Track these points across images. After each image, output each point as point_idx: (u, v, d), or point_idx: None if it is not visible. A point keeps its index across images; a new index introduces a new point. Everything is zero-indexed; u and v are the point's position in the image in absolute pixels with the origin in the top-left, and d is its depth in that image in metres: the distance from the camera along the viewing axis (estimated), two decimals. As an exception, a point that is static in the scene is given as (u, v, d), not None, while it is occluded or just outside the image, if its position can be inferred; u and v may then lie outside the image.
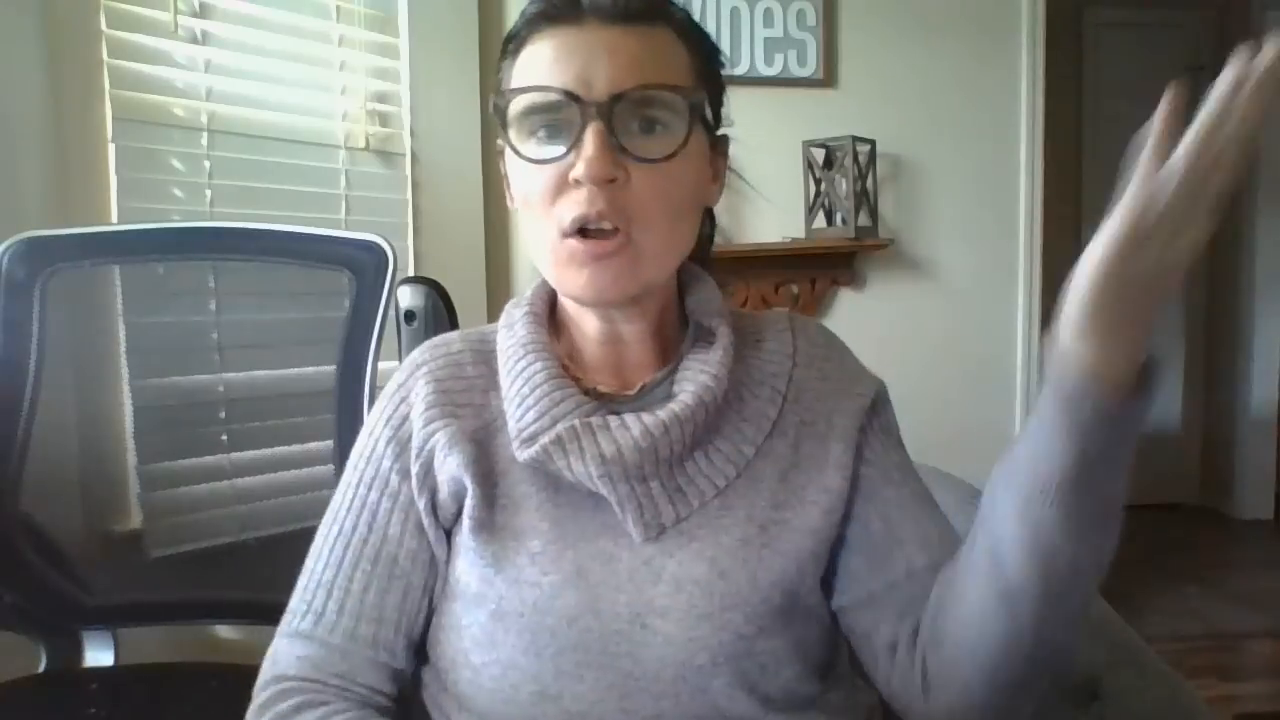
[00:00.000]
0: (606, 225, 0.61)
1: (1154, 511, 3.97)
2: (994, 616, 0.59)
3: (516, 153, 0.63)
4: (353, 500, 0.69)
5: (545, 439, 0.63)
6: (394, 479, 0.68)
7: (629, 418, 0.64)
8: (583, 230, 0.61)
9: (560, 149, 0.61)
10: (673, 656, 0.62)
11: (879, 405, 0.73)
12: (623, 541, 0.64)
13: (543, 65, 0.62)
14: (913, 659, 0.66)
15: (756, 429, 0.68)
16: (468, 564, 0.65)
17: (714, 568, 0.63)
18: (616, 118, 0.60)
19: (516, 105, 0.63)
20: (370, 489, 0.69)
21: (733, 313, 0.74)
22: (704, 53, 0.68)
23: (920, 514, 0.70)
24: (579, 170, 0.60)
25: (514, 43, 0.66)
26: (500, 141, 0.66)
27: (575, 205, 0.61)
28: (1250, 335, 3.89)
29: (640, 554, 0.64)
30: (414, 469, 0.67)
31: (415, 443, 0.68)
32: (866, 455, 0.70)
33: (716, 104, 0.70)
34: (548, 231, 0.63)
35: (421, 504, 0.67)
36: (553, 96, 0.61)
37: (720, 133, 0.71)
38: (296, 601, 0.69)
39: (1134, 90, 4.13)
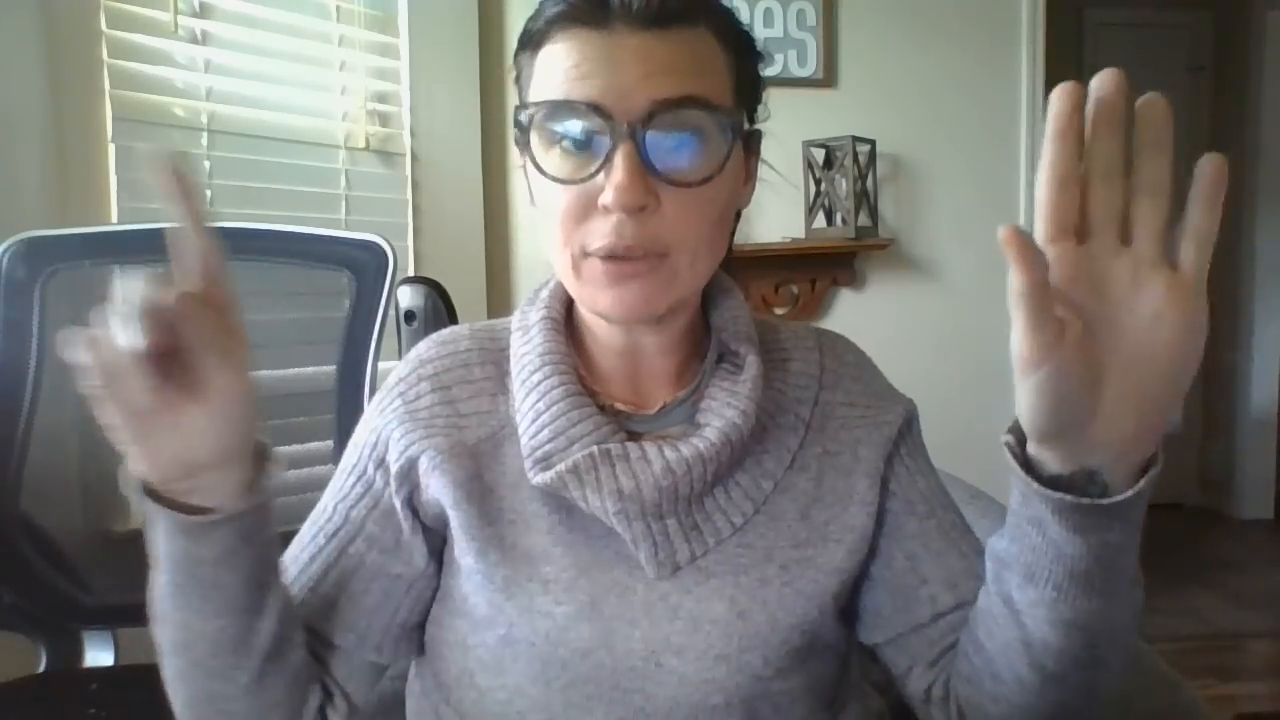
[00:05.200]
0: (636, 256, 0.57)
1: (1154, 511, 3.85)
2: (1040, 694, 0.57)
3: (540, 169, 0.58)
4: (336, 507, 0.67)
5: (561, 465, 0.60)
6: (379, 481, 0.65)
7: (650, 448, 0.61)
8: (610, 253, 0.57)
9: (586, 166, 0.56)
10: (686, 697, 0.60)
11: (906, 430, 0.69)
12: (637, 573, 0.62)
13: (567, 73, 0.56)
14: (948, 716, 0.64)
15: (776, 461, 0.65)
16: (475, 586, 0.63)
17: (733, 607, 0.61)
18: (649, 136, 0.55)
19: (540, 115, 0.57)
20: (357, 503, 0.66)
21: (758, 323, 0.70)
22: (745, 54, 0.62)
23: (945, 548, 0.66)
24: (608, 197, 0.55)
25: (534, 37, 0.60)
26: (517, 135, 0.61)
27: (603, 233, 0.56)
28: (1250, 335, 3.89)
29: (656, 589, 0.62)
30: (394, 468, 0.64)
31: (410, 448, 0.64)
32: (891, 487, 0.67)
33: (755, 103, 0.65)
34: (571, 248, 0.58)
35: (399, 500, 0.64)
36: (581, 111, 0.56)
37: (753, 128, 0.65)
38: None
39: (1134, 90, 4.12)
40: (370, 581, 0.65)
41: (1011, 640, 0.57)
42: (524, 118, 0.58)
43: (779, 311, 2.41)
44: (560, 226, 0.58)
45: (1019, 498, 0.52)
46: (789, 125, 2.35)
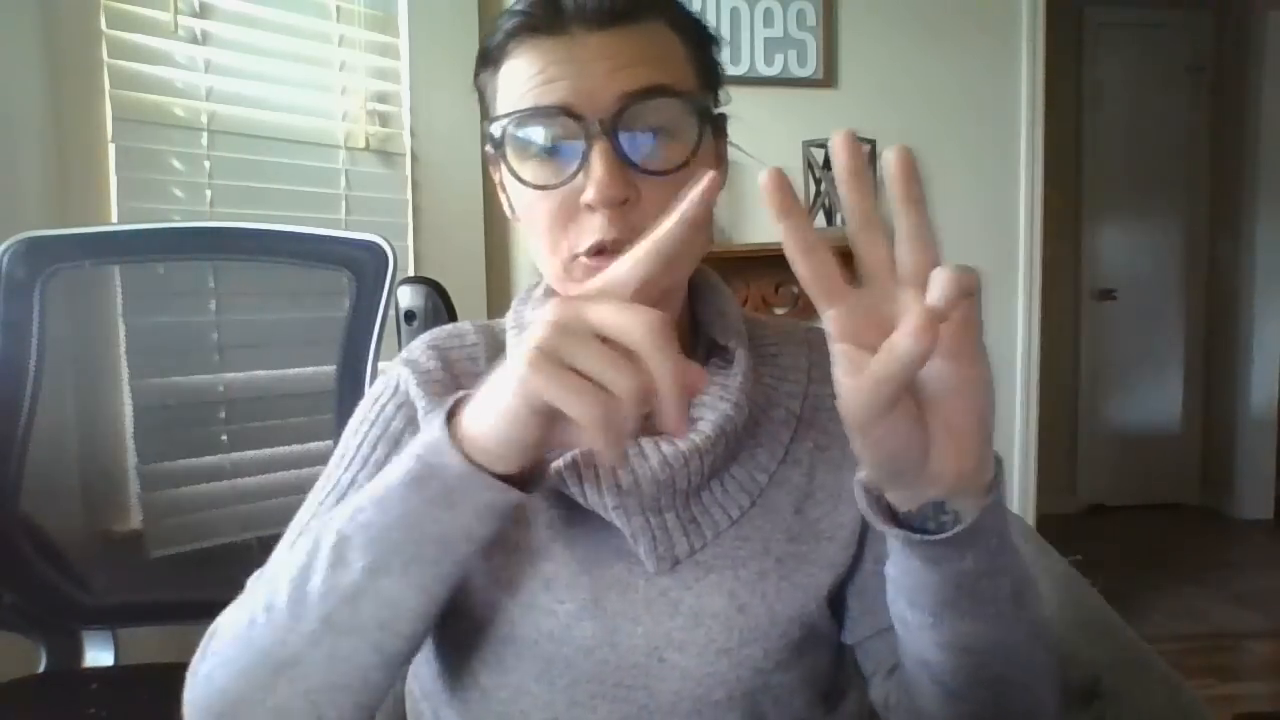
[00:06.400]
0: (623, 250, 0.57)
1: (1154, 511, 3.97)
2: (949, 709, 0.59)
3: (519, 179, 0.59)
4: (350, 458, 0.65)
5: (559, 461, 0.60)
6: (398, 419, 0.65)
7: (646, 444, 0.61)
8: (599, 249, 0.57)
9: (563, 170, 0.57)
10: (689, 691, 0.60)
11: None
12: (638, 569, 0.62)
13: (533, 80, 0.57)
14: None
15: (770, 455, 0.66)
16: (477, 585, 0.62)
17: (733, 601, 0.62)
18: (622, 131, 0.56)
19: (511, 126, 0.58)
20: (375, 445, 0.65)
21: (746, 320, 0.70)
22: (700, 41, 0.63)
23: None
24: (590, 195, 0.56)
25: (493, 53, 0.61)
26: (490, 151, 0.61)
27: (591, 232, 0.57)
28: (1250, 335, 3.88)
29: (656, 584, 0.62)
30: (417, 404, 0.64)
31: (421, 403, 0.64)
32: None
33: (717, 88, 0.65)
34: (560, 254, 0.59)
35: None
36: (552, 116, 0.56)
37: (718, 112, 0.65)
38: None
39: (1134, 90, 4.15)
40: None
41: (914, 658, 0.59)
42: (496, 131, 0.59)
43: (779, 311, 2.41)
44: (547, 233, 0.59)
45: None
46: (789, 125, 2.35)
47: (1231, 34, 3.90)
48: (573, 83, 0.56)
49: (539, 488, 0.52)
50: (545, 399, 0.44)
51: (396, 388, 0.67)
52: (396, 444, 0.65)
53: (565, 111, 0.56)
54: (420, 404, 0.64)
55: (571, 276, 0.60)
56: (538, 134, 0.58)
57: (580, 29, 0.57)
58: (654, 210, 0.57)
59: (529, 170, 0.58)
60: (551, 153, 0.58)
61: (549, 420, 0.46)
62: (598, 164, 0.55)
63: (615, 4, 0.57)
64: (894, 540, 0.51)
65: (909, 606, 0.55)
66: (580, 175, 0.56)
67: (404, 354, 0.69)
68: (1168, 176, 4.04)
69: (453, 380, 0.66)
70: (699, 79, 0.62)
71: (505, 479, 0.49)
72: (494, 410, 0.47)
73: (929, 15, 2.45)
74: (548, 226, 0.59)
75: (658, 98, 0.57)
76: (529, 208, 0.60)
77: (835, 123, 2.54)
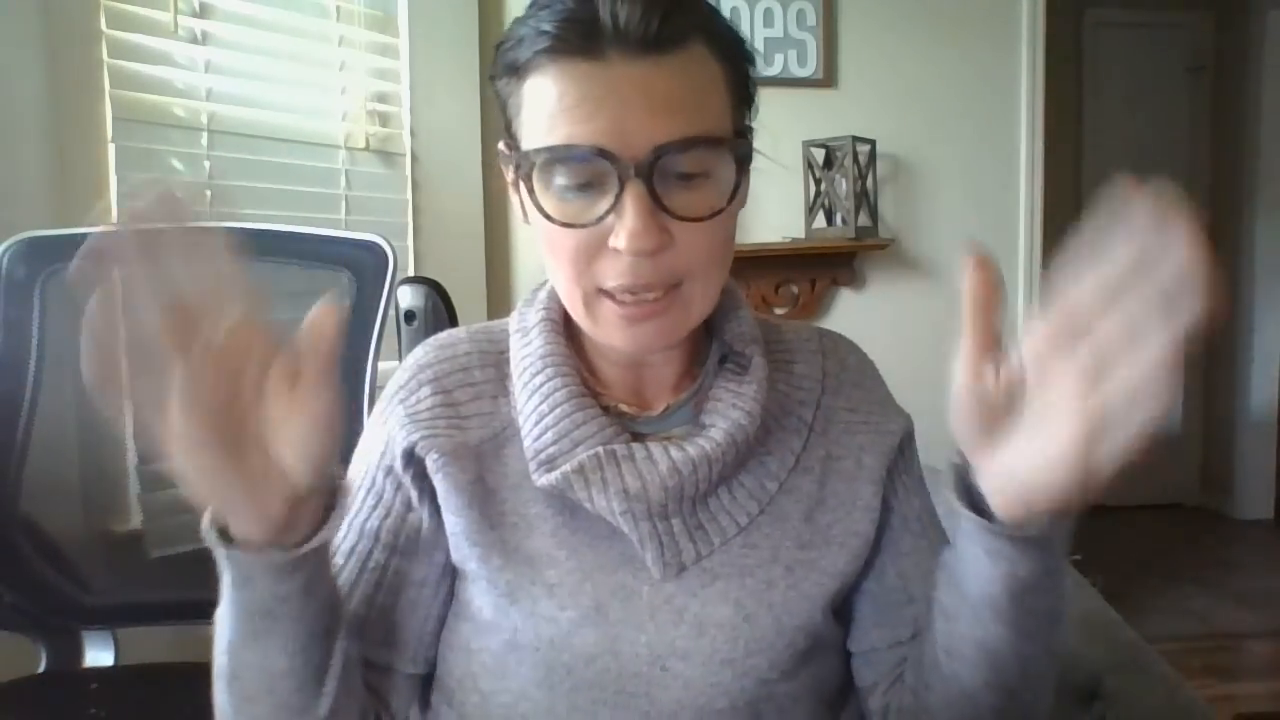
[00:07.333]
0: (650, 295, 0.56)
1: (1154, 511, 3.97)
2: (959, 711, 0.59)
3: (544, 214, 0.56)
4: (350, 524, 0.65)
5: (566, 466, 0.60)
6: (389, 490, 0.65)
7: (655, 449, 0.61)
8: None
9: (592, 208, 0.55)
10: (691, 701, 0.60)
11: (906, 445, 0.70)
12: (642, 575, 0.62)
13: (567, 114, 0.54)
14: None
15: (780, 463, 0.65)
16: (478, 591, 0.63)
17: (739, 610, 0.61)
18: (657, 174, 0.53)
19: (540, 161, 0.55)
20: (370, 514, 0.65)
21: (761, 324, 0.70)
22: (738, 59, 0.59)
23: (934, 570, 0.67)
24: (621, 241, 0.54)
25: (520, 67, 0.57)
26: (512, 176, 0.59)
27: (617, 274, 0.55)
28: (1250, 335, 3.89)
29: (661, 591, 0.61)
30: (406, 477, 0.64)
31: (415, 448, 0.63)
32: (891, 502, 0.68)
33: (750, 102, 0.63)
34: (582, 285, 0.58)
35: (415, 493, 0.64)
36: (585, 156, 0.54)
37: (749, 127, 0.63)
38: None
39: (1134, 90, 4.15)
40: (397, 595, 0.64)
41: (943, 648, 0.59)
42: (521, 162, 0.57)
43: (779, 311, 2.41)
44: (571, 265, 0.57)
45: (964, 518, 0.54)
46: (789, 125, 2.35)
47: (1231, 34, 3.91)
48: (609, 122, 0.53)
49: (337, 518, 0.52)
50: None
51: (385, 448, 0.65)
52: (390, 512, 0.65)
53: (599, 151, 0.53)
54: (415, 438, 0.63)
55: (593, 311, 0.59)
56: (568, 171, 0.55)
57: (617, 55, 0.53)
58: (687, 253, 0.56)
59: (554, 203, 0.56)
60: (581, 190, 0.55)
61: (213, 438, 0.47)
62: (631, 211, 0.53)
63: (660, 31, 0.53)
64: (964, 522, 0.53)
65: (955, 595, 0.57)
66: (611, 216, 0.54)
67: (396, 380, 0.68)
68: (1168, 176, 4.03)
69: (448, 402, 0.65)
70: (735, 105, 0.59)
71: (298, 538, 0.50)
72: (189, 481, 0.48)
73: (929, 15, 2.45)
74: (571, 260, 0.57)
75: (696, 148, 0.54)
76: (550, 237, 0.57)
77: (835, 123, 2.54)
